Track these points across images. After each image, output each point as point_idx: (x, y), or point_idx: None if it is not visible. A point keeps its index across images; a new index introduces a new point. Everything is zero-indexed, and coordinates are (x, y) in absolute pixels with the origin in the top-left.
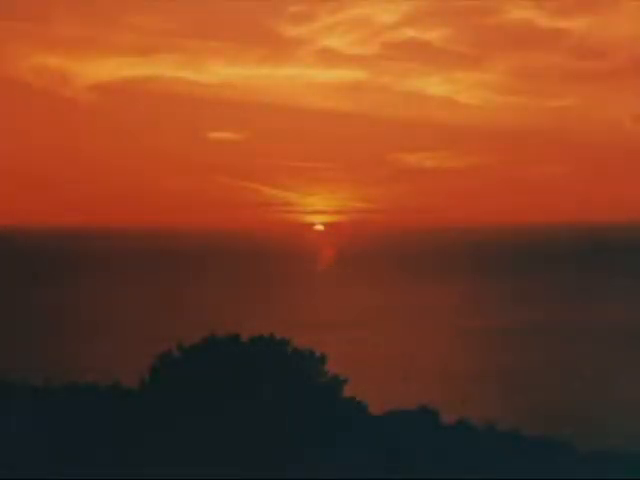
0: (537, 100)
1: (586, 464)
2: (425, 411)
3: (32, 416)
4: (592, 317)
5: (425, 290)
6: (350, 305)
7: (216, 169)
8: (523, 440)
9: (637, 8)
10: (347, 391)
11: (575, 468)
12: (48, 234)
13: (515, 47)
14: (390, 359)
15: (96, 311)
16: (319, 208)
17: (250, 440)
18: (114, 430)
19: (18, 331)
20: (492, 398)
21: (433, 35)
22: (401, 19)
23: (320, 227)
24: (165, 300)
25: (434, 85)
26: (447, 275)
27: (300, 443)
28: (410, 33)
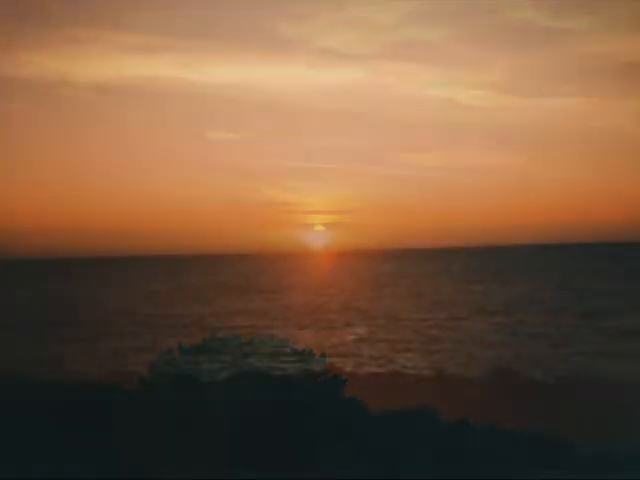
0: (537, 100)
1: (586, 464)
2: (425, 411)
3: (32, 416)
4: (591, 317)
5: (425, 290)
6: (350, 305)
7: (216, 169)
8: (523, 440)
9: (637, 8)
10: (347, 391)
11: (575, 468)
12: (48, 234)
13: (515, 47)
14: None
15: (96, 311)
16: (319, 208)
17: (249, 440)
18: (114, 430)
19: (18, 331)
20: (492, 398)
21: (433, 35)
22: (401, 19)
23: (320, 227)
24: (165, 300)
25: (434, 85)
26: (447, 275)
27: (299, 443)
28: (410, 33)
